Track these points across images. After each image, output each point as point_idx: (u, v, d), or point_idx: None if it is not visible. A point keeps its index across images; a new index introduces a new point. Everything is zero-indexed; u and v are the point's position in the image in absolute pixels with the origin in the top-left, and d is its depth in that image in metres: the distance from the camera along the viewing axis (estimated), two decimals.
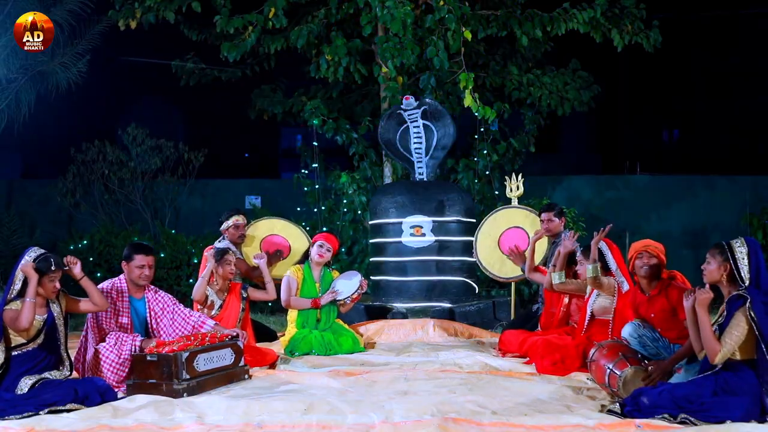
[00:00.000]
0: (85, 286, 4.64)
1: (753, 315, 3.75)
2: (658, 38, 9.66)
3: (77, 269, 4.61)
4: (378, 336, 6.75)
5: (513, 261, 7.00)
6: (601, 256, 5.28)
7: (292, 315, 6.35)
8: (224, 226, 6.83)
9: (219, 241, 6.86)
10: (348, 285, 6.36)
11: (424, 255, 7.55)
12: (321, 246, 6.36)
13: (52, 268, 4.36)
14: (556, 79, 10.31)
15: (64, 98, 10.06)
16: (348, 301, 6.35)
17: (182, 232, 10.50)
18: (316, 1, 9.92)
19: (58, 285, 4.42)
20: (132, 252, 5.01)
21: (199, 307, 5.97)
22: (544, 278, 6.25)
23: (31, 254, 4.38)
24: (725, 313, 3.90)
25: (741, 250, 3.95)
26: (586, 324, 5.45)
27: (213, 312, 5.94)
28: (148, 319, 5.09)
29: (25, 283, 4.31)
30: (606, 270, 5.28)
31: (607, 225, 5.39)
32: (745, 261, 3.92)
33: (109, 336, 4.77)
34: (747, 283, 3.88)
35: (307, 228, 9.22)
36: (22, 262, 4.35)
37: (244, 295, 6.15)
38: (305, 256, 6.54)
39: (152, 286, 5.20)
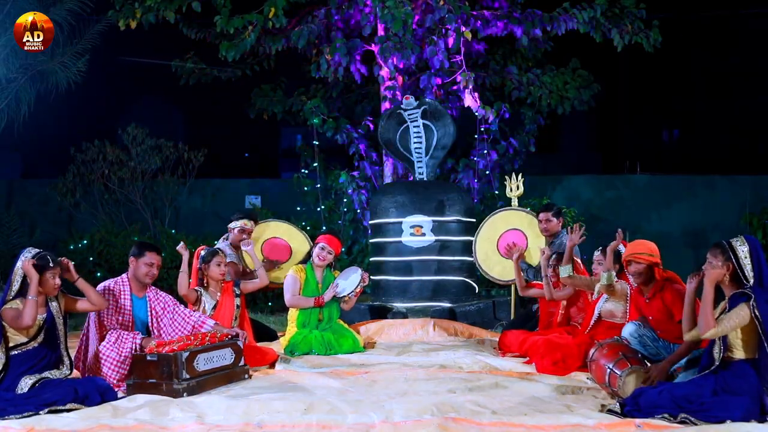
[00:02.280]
0: (81, 287, 4.65)
1: (758, 314, 3.74)
2: (658, 38, 9.66)
3: (72, 271, 4.62)
4: (378, 336, 6.75)
5: (510, 257, 6.96)
6: (619, 259, 5.14)
7: (292, 314, 6.33)
8: (232, 225, 6.83)
9: (222, 240, 6.87)
10: (349, 280, 6.32)
11: (424, 255, 7.54)
12: (323, 249, 6.31)
13: (51, 264, 4.38)
14: (556, 79, 10.30)
15: (64, 98, 10.06)
16: (352, 296, 6.29)
17: (182, 232, 10.49)
18: (316, 1, 9.92)
19: (59, 281, 4.44)
20: (143, 249, 5.06)
21: (193, 307, 5.94)
22: (539, 291, 6.25)
23: (27, 254, 4.39)
24: (727, 308, 3.87)
25: (742, 249, 3.92)
26: (591, 324, 5.43)
27: (207, 313, 5.90)
28: (149, 318, 5.10)
29: (24, 282, 4.33)
30: (619, 273, 5.23)
31: (619, 231, 5.22)
32: (748, 260, 3.90)
33: (109, 333, 4.79)
34: (751, 282, 3.86)
35: (308, 228, 9.22)
36: (20, 261, 4.36)
37: (237, 292, 6.08)
38: (308, 257, 6.51)
39: (153, 287, 5.22)
